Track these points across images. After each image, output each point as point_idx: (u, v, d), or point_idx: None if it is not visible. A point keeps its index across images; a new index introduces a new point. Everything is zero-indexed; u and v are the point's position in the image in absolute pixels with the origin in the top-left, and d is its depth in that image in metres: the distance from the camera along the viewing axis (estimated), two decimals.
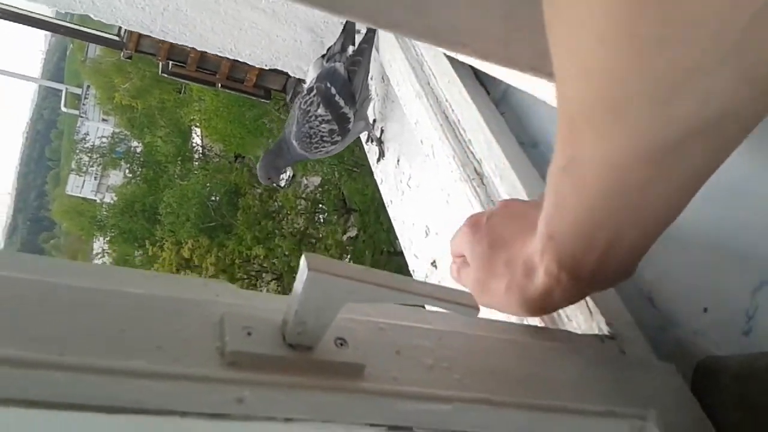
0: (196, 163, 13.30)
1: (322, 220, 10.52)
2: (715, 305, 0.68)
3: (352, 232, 9.97)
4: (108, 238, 15.51)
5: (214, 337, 0.46)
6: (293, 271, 10.37)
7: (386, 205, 1.40)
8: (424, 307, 0.52)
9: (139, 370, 0.42)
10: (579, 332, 0.71)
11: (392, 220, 1.36)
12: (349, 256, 10.10)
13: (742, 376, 0.61)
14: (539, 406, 0.53)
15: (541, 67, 0.73)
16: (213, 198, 11.89)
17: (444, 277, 1.13)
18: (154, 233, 13.27)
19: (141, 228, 14.03)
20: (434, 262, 1.17)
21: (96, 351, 0.42)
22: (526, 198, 0.86)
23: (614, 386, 0.59)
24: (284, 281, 10.52)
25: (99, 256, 17.59)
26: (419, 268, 1.22)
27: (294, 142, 1.36)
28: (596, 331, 0.70)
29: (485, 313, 0.66)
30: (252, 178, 11.18)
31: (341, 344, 0.49)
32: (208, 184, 12.25)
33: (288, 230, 10.66)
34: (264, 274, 11.32)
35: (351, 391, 0.47)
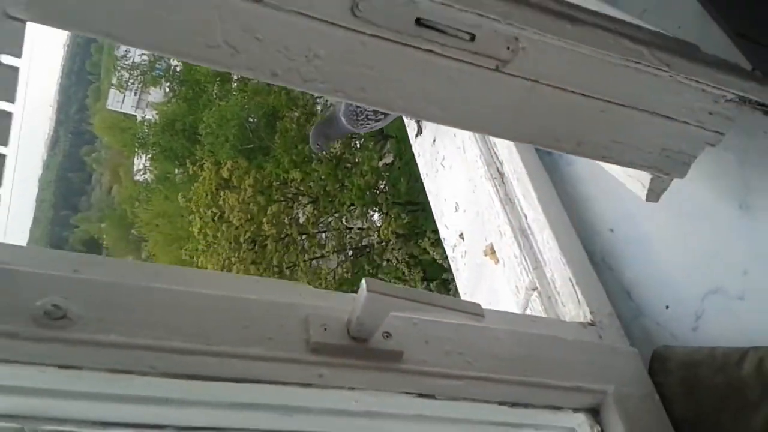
0: (235, 84, 13.40)
1: (358, 146, 10.60)
2: (674, 304, 0.87)
3: (388, 159, 10.12)
4: (150, 156, 15.76)
5: (302, 330, 0.68)
6: (329, 195, 10.60)
7: (422, 177, 1.59)
8: None
9: (258, 355, 0.64)
10: (568, 318, 0.92)
11: (426, 191, 1.56)
12: (384, 183, 10.28)
13: (685, 363, 0.81)
14: (526, 383, 0.74)
15: None
16: (251, 120, 12.05)
17: (469, 248, 1.34)
18: (194, 153, 13.52)
19: (181, 147, 14.30)
20: (462, 234, 1.37)
21: (230, 341, 0.64)
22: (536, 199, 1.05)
23: (587, 366, 0.80)
24: (320, 204, 10.77)
25: (141, 172, 17.96)
26: (449, 237, 1.42)
27: (342, 118, 1.54)
28: (581, 319, 0.91)
29: (492, 307, 0.87)
30: (290, 101, 11.26)
31: (387, 336, 0.71)
32: (246, 106, 12.33)
33: (326, 155, 10.77)
34: (300, 197, 11.55)
35: (393, 371, 0.69)
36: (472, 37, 0.62)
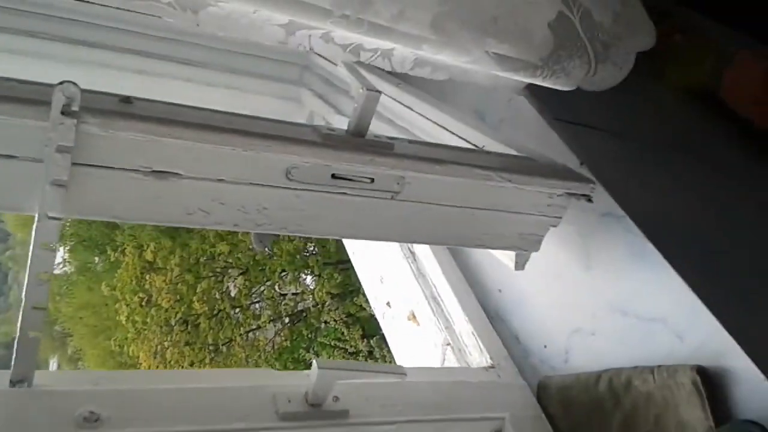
0: None
1: None
2: (550, 344, 1.15)
3: None
4: (67, 248, 15.34)
5: (272, 405, 0.91)
6: (258, 264, 10.68)
7: (350, 255, 1.84)
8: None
9: (242, 428, 0.87)
10: (474, 365, 1.18)
11: (355, 267, 1.81)
12: (313, 245, 10.47)
13: (560, 388, 1.09)
14: (444, 419, 1.00)
15: None
16: None
17: (395, 313, 1.59)
18: (114, 239, 13.38)
19: (100, 234, 14.08)
20: (388, 302, 1.62)
21: (219, 420, 0.87)
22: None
23: (489, 401, 1.06)
24: (251, 274, 10.83)
25: (60, 266, 17.45)
26: (378, 306, 1.67)
27: None
28: (484, 364, 1.17)
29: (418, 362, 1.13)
30: None
31: (336, 399, 0.95)
32: None
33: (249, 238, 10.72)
34: (230, 270, 11.56)
35: (343, 425, 0.93)
36: (372, 180, 0.89)
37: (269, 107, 1.90)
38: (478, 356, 1.20)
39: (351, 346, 8.88)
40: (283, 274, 10.61)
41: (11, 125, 0.70)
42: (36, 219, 0.75)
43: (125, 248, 11.98)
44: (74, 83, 0.70)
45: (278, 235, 1.64)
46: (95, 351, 14.20)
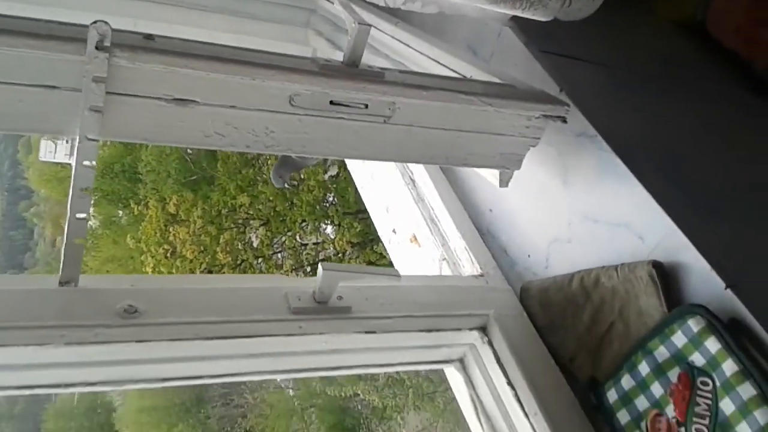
0: None
1: None
2: (533, 253, 1.28)
3: (333, 171, 10.48)
4: (92, 202, 15.51)
5: (285, 302, 1.06)
6: (279, 215, 10.87)
7: (359, 189, 1.98)
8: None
9: (260, 319, 1.02)
10: (465, 274, 1.32)
11: (364, 200, 1.95)
12: (332, 195, 10.63)
13: (540, 290, 1.22)
14: (436, 315, 1.14)
15: None
16: (190, 152, 12.23)
17: (400, 239, 1.73)
18: (137, 192, 13.61)
19: (123, 188, 14.33)
20: (394, 230, 1.76)
21: (240, 314, 1.01)
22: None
23: (477, 302, 1.20)
24: (272, 225, 11.04)
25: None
26: (385, 234, 1.81)
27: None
28: (474, 273, 1.31)
29: (409, 272, 1.27)
30: None
31: (340, 298, 1.09)
32: None
33: (270, 175, 10.80)
34: (251, 221, 11.77)
35: (346, 319, 1.08)
36: (366, 106, 1.01)
37: (277, 50, 2.01)
38: (469, 267, 1.34)
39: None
40: (304, 224, 10.79)
41: (53, 60, 0.83)
42: (77, 141, 0.89)
43: (148, 201, 12.22)
44: (106, 22, 0.83)
45: (298, 170, 1.76)
46: None
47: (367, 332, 1.08)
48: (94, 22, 0.82)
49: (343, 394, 11.73)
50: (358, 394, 11.75)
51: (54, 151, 28.04)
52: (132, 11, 1.85)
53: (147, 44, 0.90)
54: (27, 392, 0.96)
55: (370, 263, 9.58)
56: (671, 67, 1.65)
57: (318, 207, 10.48)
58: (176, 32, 1.89)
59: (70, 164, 0.94)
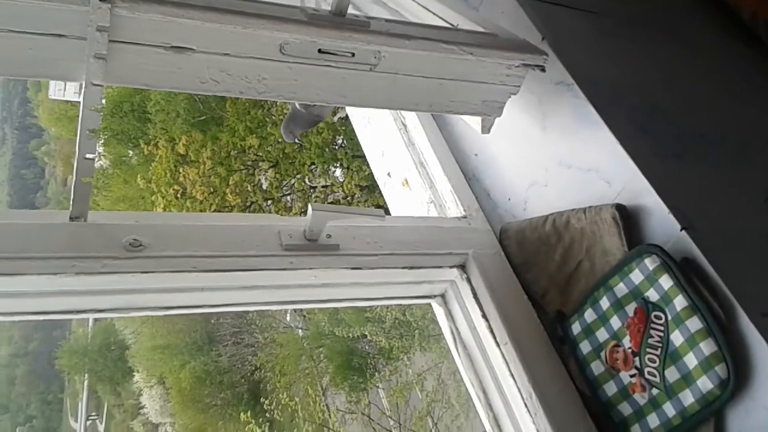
0: None
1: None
2: (513, 196, 1.36)
3: (342, 113, 10.46)
4: (101, 141, 15.61)
5: (277, 238, 1.15)
6: (288, 157, 10.92)
7: (357, 132, 2.04)
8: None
9: (254, 254, 1.11)
10: (450, 216, 1.40)
11: (362, 145, 2.02)
12: (341, 137, 10.64)
13: (517, 230, 1.30)
14: (419, 253, 1.22)
15: None
16: None
17: (394, 182, 1.80)
18: (146, 132, 13.64)
19: (133, 128, 14.36)
20: (389, 173, 1.84)
21: (236, 248, 1.10)
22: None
23: (457, 241, 1.29)
24: (281, 167, 11.11)
25: (95, 159, 17.77)
26: (381, 177, 1.88)
27: (302, 109, 1.87)
28: (458, 215, 1.39)
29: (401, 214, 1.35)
30: None
31: (329, 237, 1.18)
32: None
33: (279, 117, 10.82)
34: (261, 163, 11.83)
35: (334, 256, 1.16)
36: (353, 54, 1.07)
37: None
38: (454, 209, 1.42)
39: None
40: (313, 166, 10.84)
41: (59, 9, 0.90)
42: (83, 86, 0.96)
43: (158, 141, 12.27)
44: None
45: (309, 127, 1.77)
46: None
47: (353, 268, 1.17)
48: None
49: (350, 335, 12.00)
50: (366, 335, 12.01)
51: (63, 89, 27.92)
52: None
53: None
54: (40, 317, 1.07)
55: (378, 206, 9.68)
56: (661, 15, 1.69)
57: (327, 149, 10.50)
58: None
59: (79, 102, 1.02)
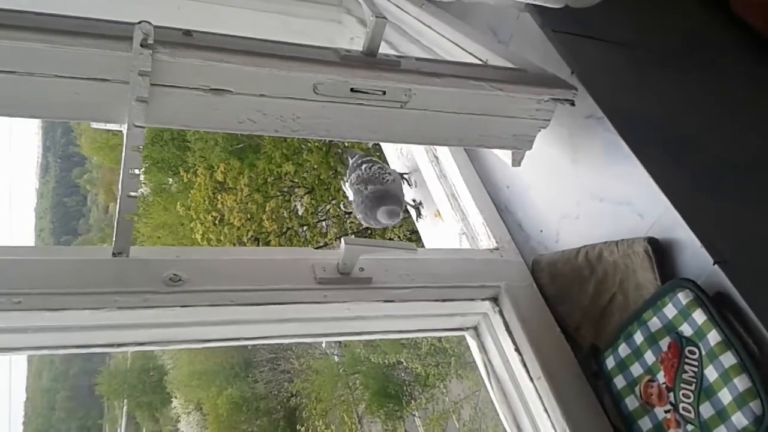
0: None
1: None
2: (545, 228, 1.36)
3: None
4: (143, 170, 15.82)
5: (311, 272, 1.17)
6: (324, 183, 11.02)
7: (389, 162, 2.07)
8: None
9: (289, 288, 1.13)
10: (482, 248, 1.41)
11: None
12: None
13: (549, 263, 1.30)
14: (451, 286, 1.24)
15: None
16: None
17: (426, 213, 1.82)
18: (186, 160, 13.92)
19: (173, 156, 14.66)
20: (420, 204, 1.86)
21: (272, 282, 1.13)
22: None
23: (490, 274, 1.30)
24: (316, 193, 11.22)
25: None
26: (412, 207, 1.91)
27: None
28: (491, 247, 1.40)
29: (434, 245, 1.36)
30: None
31: (361, 270, 1.20)
32: None
33: (314, 144, 10.93)
34: (296, 189, 11.94)
35: (367, 289, 1.18)
36: (384, 92, 1.10)
37: (313, 29, 2.11)
38: (486, 241, 1.43)
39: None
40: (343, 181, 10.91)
41: (103, 55, 0.94)
42: (126, 128, 1.00)
43: (197, 169, 12.50)
44: (149, 22, 0.93)
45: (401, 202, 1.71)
46: None
47: (386, 301, 1.19)
48: (139, 22, 0.93)
49: (386, 362, 11.94)
50: (402, 362, 11.94)
51: None
52: None
53: (186, 40, 1.01)
54: (83, 351, 1.10)
55: (413, 232, 9.68)
56: (691, 45, 1.69)
57: (340, 158, 10.57)
58: (219, 14, 2.01)
59: (120, 131, 1.07)
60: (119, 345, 1.12)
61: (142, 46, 0.93)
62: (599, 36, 1.49)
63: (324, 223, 11.71)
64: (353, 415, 13.38)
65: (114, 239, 1.11)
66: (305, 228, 11.44)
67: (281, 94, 1.06)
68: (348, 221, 11.18)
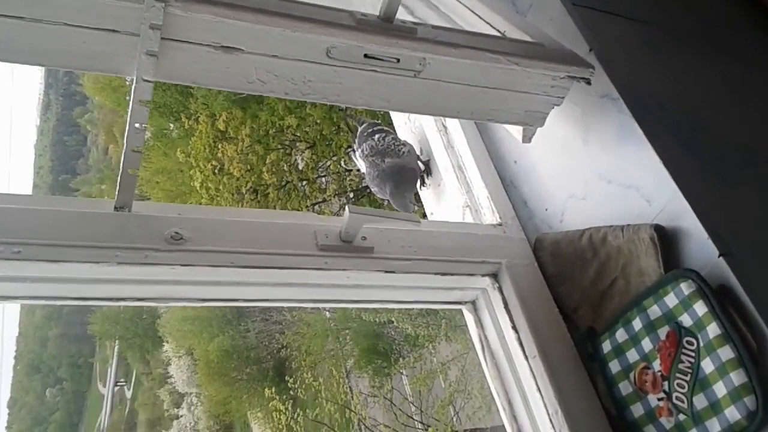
0: None
1: None
2: (550, 207, 1.35)
3: None
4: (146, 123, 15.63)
5: (313, 238, 1.16)
6: (325, 138, 10.96)
7: (396, 127, 2.05)
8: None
9: (290, 253, 1.12)
10: (486, 222, 1.40)
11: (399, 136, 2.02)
12: (380, 121, 10.62)
13: (552, 242, 1.30)
14: (452, 260, 1.23)
15: None
16: None
17: (430, 182, 1.80)
18: (188, 107, 13.81)
19: (175, 102, 14.54)
20: (426, 172, 1.84)
21: (273, 246, 1.12)
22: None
23: (491, 249, 1.29)
24: (318, 149, 11.16)
25: None
26: None
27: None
28: (494, 222, 1.39)
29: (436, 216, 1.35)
30: None
31: (364, 239, 1.19)
32: None
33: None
34: (298, 143, 11.88)
35: (368, 258, 1.17)
36: (398, 60, 1.08)
37: None
38: (490, 216, 1.42)
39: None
40: (349, 149, 10.88)
41: (114, 5, 0.91)
42: (134, 81, 0.98)
43: (198, 116, 12.41)
44: None
45: (414, 186, 1.67)
46: None
47: (387, 271, 1.18)
48: None
49: (377, 320, 12.06)
50: (392, 321, 12.06)
51: None
52: None
53: None
54: (82, 303, 1.10)
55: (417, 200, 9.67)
56: (712, 28, 1.66)
57: (347, 123, 10.51)
58: None
59: None
60: (117, 299, 1.11)
61: None
62: (619, 12, 1.46)
63: (324, 179, 11.68)
64: (341, 370, 13.56)
65: (116, 193, 1.09)
66: (305, 183, 11.42)
67: (293, 56, 1.03)
68: (348, 178, 11.15)
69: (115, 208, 1.10)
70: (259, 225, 1.15)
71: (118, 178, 1.08)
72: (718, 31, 1.65)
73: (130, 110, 1.01)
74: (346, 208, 1.14)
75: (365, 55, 1.06)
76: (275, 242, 1.14)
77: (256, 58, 1.02)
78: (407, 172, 1.63)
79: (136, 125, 1.02)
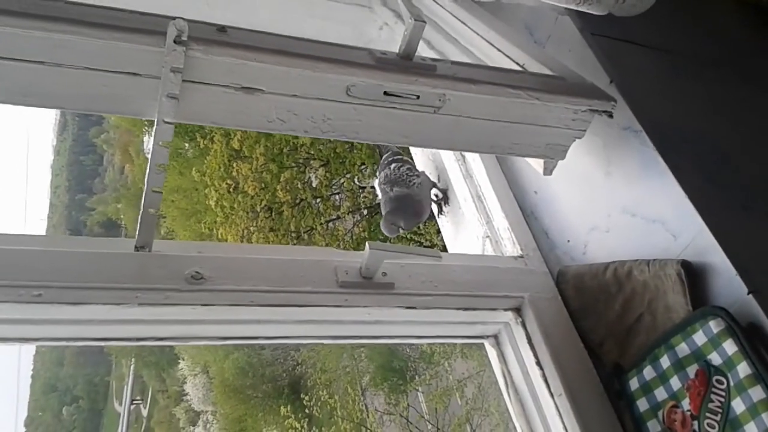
0: None
1: None
2: (573, 239, 1.33)
3: None
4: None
5: (333, 275, 1.15)
6: (339, 156, 11.00)
7: (412, 153, 2.04)
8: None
9: (310, 290, 1.12)
10: (507, 254, 1.39)
11: (415, 162, 2.01)
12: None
13: (575, 275, 1.28)
14: (473, 294, 1.22)
15: None
16: None
17: (448, 210, 1.79)
18: (203, 126, 13.91)
19: None
20: (444, 200, 1.83)
21: (293, 284, 1.11)
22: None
23: (513, 283, 1.27)
24: (331, 167, 11.19)
25: None
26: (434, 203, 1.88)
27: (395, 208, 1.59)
28: (515, 254, 1.37)
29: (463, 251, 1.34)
30: None
31: (384, 275, 1.18)
32: None
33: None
34: (312, 161, 11.93)
35: (389, 294, 1.16)
36: (418, 97, 1.07)
37: (343, 14, 2.07)
38: (511, 248, 1.40)
39: (426, 240, 9.24)
40: (363, 167, 10.91)
41: (136, 50, 0.92)
42: (155, 123, 0.98)
43: (213, 136, 12.50)
44: (183, 18, 0.91)
45: (415, 222, 1.64)
46: (186, 233, 15.08)
47: (408, 307, 1.17)
48: (174, 18, 0.91)
49: None
50: None
51: None
52: None
53: (220, 37, 0.98)
54: (101, 344, 1.10)
55: (439, 233, 9.64)
56: (735, 55, 1.64)
57: (378, 150, 10.55)
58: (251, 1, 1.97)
59: None
60: (138, 339, 1.11)
61: (175, 42, 0.91)
62: (639, 41, 1.45)
63: (337, 196, 11.71)
64: (357, 387, 13.50)
65: (137, 233, 1.09)
66: (318, 200, 11.45)
67: (313, 95, 1.03)
68: (361, 195, 11.17)
69: (136, 248, 1.09)
70: (278, 262, 1.15)
71: (139, 217, 1.08)
72: (741, 58, 1.64)
73: (151, 151, 1.01)
74: (367, 244, 1.13)
75: (385, 93, 1.06)
76: (295, 279, 1.13)
77: (276, 98, 1.02)
78: (407, 201, 1.61)
79: (157, 165, 1.02)
